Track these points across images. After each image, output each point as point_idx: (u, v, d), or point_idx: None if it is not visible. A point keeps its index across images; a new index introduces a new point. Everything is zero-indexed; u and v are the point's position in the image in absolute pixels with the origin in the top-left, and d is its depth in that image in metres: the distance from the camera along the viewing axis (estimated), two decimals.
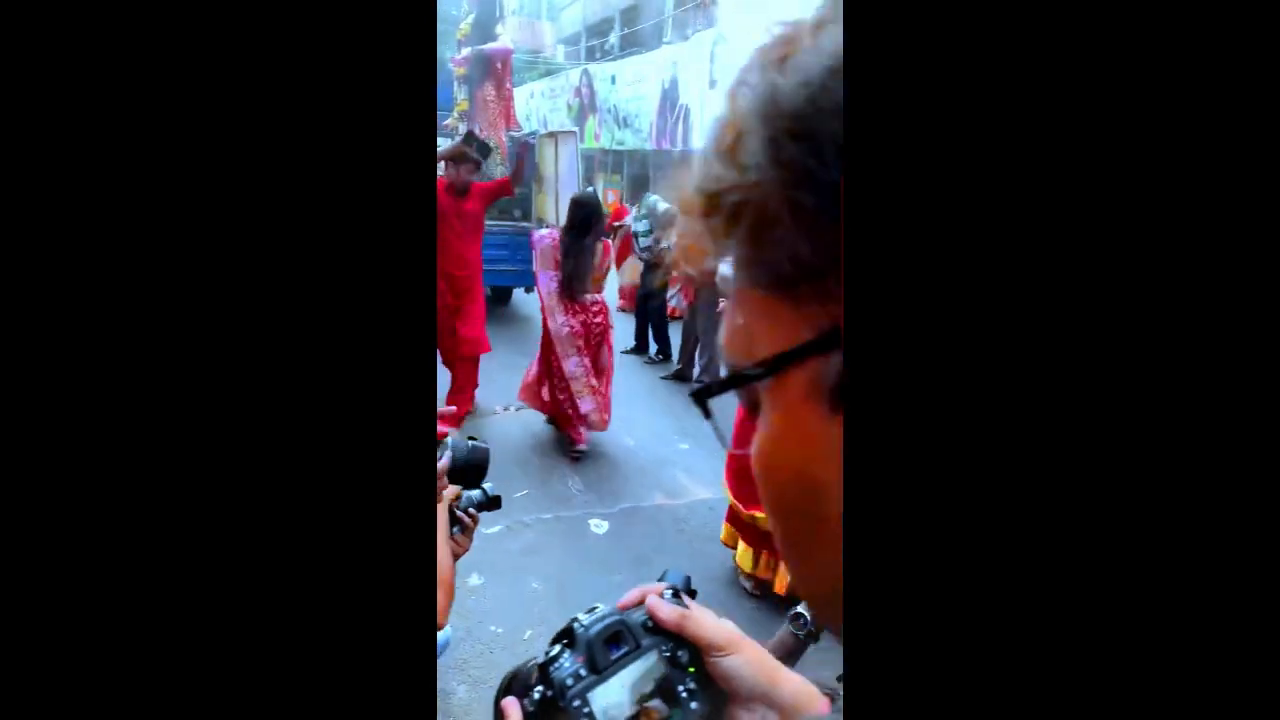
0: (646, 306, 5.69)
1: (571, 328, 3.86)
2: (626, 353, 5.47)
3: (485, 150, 3.91)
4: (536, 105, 15.26)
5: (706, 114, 10.29)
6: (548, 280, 3.87)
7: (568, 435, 3.89)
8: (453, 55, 6.60)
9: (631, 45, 14.28)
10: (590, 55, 16.64)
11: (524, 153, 5.57)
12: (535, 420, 4.13)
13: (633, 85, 12.51)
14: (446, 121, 6.75)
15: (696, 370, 5.00)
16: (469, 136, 3.88)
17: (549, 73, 16.42)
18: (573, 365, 3.86)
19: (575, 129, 5.28)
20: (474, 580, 2.56)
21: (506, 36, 6.28)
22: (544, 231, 4.01)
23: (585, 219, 3.86)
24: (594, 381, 3.87)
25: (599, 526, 3.05)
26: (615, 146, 13.72)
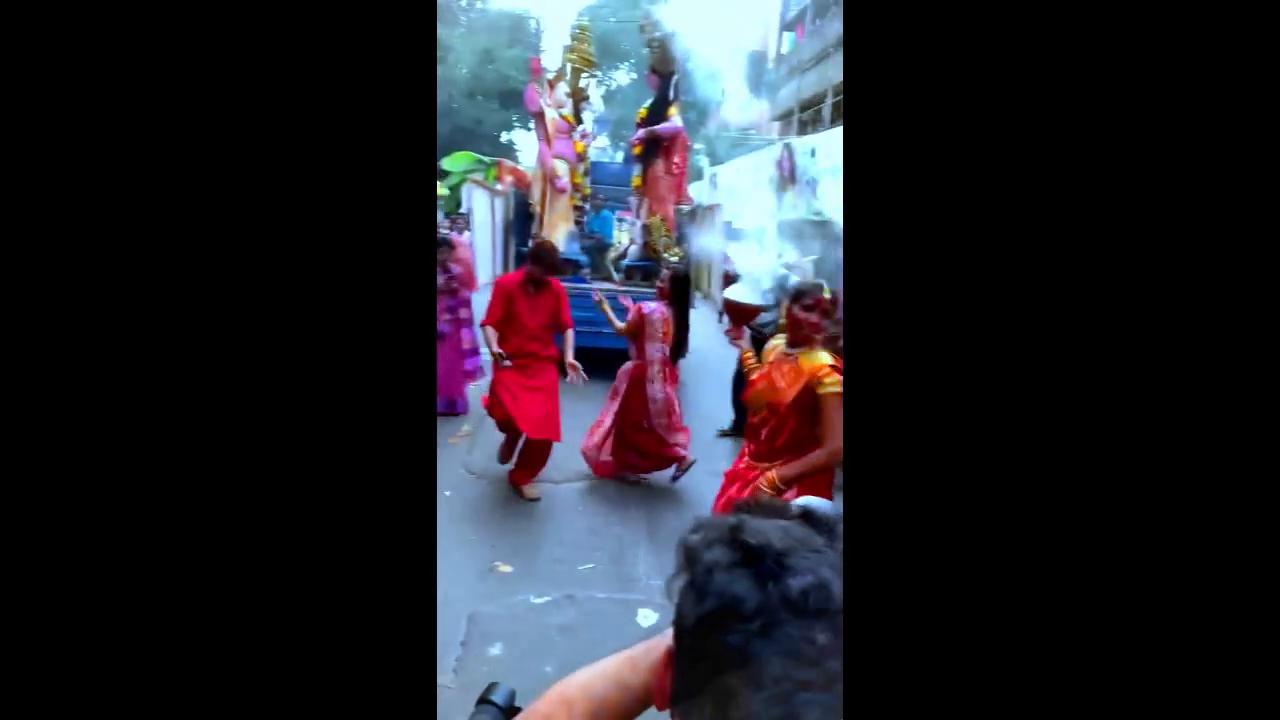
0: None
1: (666, 395, 3.99)
2: None
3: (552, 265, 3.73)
4: (738, 179, 15.62)
5: None
6: (655, 351, 3.96)
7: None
8: (629, 136, 7.03)
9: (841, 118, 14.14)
10: (802, 129, 16.77)
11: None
12: (618, 489, 4.07)
13: (830, 157, 12.30)
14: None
15: None
16: (540, 249, 3.74)
17: (757, 148, 16.79)
18: (663, 433, 3.99)
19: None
20: (494, 650, 2.53)
21: (677, 117, 6.55)
22: (652, 305, 4.01)
23: (683, 290, 4.15)
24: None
25: (646, 618, 2.87)
26: (812, 217, 13.50)
